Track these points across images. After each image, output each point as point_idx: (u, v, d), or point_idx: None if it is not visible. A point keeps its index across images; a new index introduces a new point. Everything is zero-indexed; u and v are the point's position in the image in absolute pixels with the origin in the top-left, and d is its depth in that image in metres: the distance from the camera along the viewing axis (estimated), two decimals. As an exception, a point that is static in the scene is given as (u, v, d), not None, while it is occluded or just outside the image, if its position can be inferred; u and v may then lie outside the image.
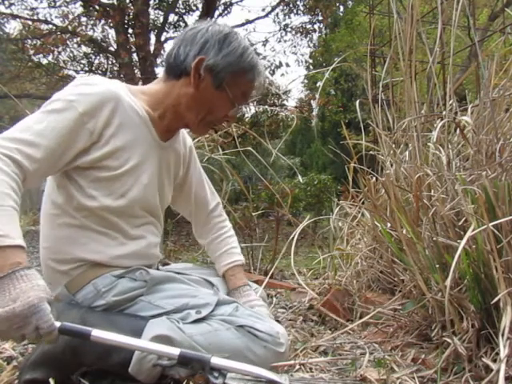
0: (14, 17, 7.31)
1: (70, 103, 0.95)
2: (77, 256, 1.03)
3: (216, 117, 1.14)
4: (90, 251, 1.03)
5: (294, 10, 8.58)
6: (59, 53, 7.79)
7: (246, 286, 1.26)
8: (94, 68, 8.42)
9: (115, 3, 6.97)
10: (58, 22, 7.65)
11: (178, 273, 1.17)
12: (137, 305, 1.03)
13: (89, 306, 1.02)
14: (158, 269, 1.21)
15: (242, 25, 8.83)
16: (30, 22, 7.56)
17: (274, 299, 1.91)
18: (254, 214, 2.80)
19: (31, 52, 7.42)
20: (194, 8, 8.35)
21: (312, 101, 9.63)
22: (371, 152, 1.75)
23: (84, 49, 8.13)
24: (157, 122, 1.11)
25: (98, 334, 0.84)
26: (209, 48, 1.05)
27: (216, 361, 0.85)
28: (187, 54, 1.06)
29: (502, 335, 0.83)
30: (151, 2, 7.73)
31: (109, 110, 1.00)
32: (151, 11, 7.93)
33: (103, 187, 1.02)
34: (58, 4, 7.43)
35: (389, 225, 1.40)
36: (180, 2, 8.14)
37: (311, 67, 11.17)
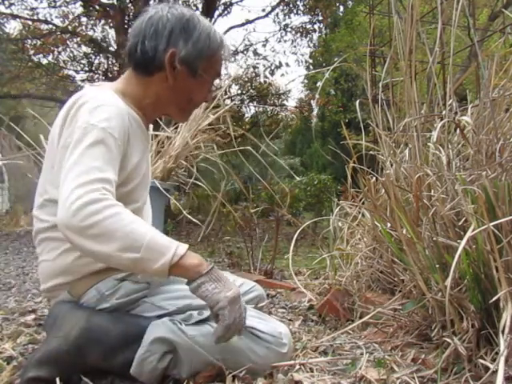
0: (14, 17, 7.31)
1: (106, 131, 0.93)
2: (92, 268, 1.01)
3: (197, 102, 1.15)
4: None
5: (294, 10, 8.59)
6: (59, 53, 7.80)
7: None
8: (94, 68, 8.41)
9: (115, 3, 6.97)
10: (58, 22, 7.65)
11: None
12: (140, 306, 1.03)
13: (94, 308, 1.01)
14: None
15: (242, 25, 8.84)
16: (30, 22, 7.56)
17: (274, 299, 1.91)
18: (253, 214, 2.80)
19: (31, 52, 7.42)
20: (194, 8, 8.35)
21: (312, 101, 9.64)
22: (371, 152, 1.75)
23: (84, 49, 8.13)
24: (144, 121, 1.11)
25: None
26: (176, 38, 1.02)
27: None
28: (155, 48, 1.02)
29: (503, 332, 0.83)
30: (151, 2, 7.73)
31: (127, 128, 0.99)
32: (151, 11, 7.92)
33: (124, 200, 1.00)
34: (57, 4, 7.43)
35: (389, 225, 1.40)
36: (180, 2, 8.14)
37: (311, 67, 11.17)
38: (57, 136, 0.99)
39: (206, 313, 1.01)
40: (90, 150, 0.90)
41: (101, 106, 0.95)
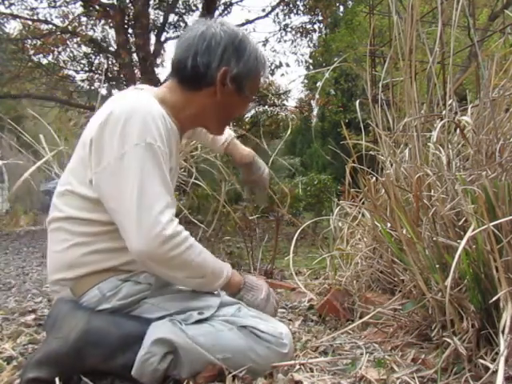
0: (14, 17, 7.31)
1: (161, 149, 0.97)
2: (98, 267, 1.02)
3: (235, 116, 1.23)
4: (109, 259, 1.03)
5: (294, 10, 8.58)
6: (59, 53, 7.80)
7: (258, 160, 1.46)
8: (93, 68, 8.41)
9: (115, 3, 6.97)
10: (58, 22, 7.66)
11: None
12: (141, 307, 1.03)
13: (94, 309, 1.01)
14: None
15: (242, 25, 8.82)
16: (30, 22, 7.56)
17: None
18: (253, 216, 2.80)
19: (31, 52, 7.43)
20: (194, 8, 8.35)
21: (312, 101, 9.64)
22: (371, 152, 1.75)
23: (84, 49, 8.14)
24: (180, 130, 1.12)
25: None
26: (229, 57, 1.06)
27: None
28: (207, 65, 1.05)
29: (503, 332, 0.83)
30: (151, 2, 7.73)
31: (171, 139, 1.03)
32: (151, 11, 7.94)
33: None
34: (57, 4, 7.43)
35: (389, 225, 1.40)
36: (180, 1, 8.14)
37: (311, 67, 11.16)
38: (93, 137, 0.98)
39: (207, 312, 1.01)
40: (153, 173, 0.95)
41: (148, 118, 0.97)
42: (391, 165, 1.53)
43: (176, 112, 1.08)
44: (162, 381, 0.96)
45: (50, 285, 1.08)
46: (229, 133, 1.44)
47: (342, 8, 10.82)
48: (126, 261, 1.03)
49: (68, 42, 7.67)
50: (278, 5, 8.54)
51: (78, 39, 7.48)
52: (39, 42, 7.35)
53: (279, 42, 9.19)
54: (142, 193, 0.92)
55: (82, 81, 8.90)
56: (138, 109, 0.98)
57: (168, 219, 0.93)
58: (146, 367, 0.93)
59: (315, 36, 9.30)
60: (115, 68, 8.16)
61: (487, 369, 0.86)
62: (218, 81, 1.06)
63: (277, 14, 8.73)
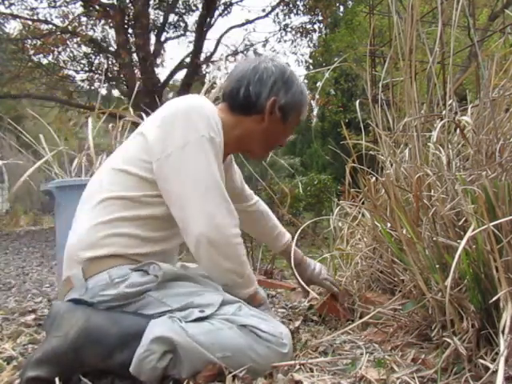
0: (14, 17, 7.32)
1: (221, 145, 1.09)
2: (116, 250, 1.05)
3: (277, 143, 1.32)
4: (128, 246, 1.06)
5: (294, 10, 8.60)
6: (59, 53, 7.81)
7: (307, 258, 1.57)
8: (93, 68, 8.42)
9: (115, 3, 6.97)
10: (58, 22, 7.67)
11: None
12: (144, 300, 1.03)
13: (96, 297, 1.02)
14: None
15: (242, 25, 8.84)
16: (30, 22, 7.57)
17: (274, 299, 1.91)
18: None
19: (31, 52, 7.44)
20: (194, 8, 8.36)
21: (312, 101, 9.64)
22: (371, 152, 1.75)
23: (84, 49, 8.15)
24: (223, 148, 1.17)
25: None
26: (278, 89, 1.18)
27: None
28: (258, 95, 1.17)
29: (503, 332, 0.83)
30: (151, 2, 7.74)
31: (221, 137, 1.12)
32: (151, 11, 7.94)
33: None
34: (57, 4, 7.44)
35: (389, 225, 1.40)
36: (180, 1, 8.15)
37: (311, 67, 11.16)
38: (154, 127, 1.08)
39: (208, 310, 1.01)
40: (214, 164, 1.05)
41: (211, 117, 1.08)
42: (391, 165, 1.53)
43: (226, 130, 1.15)
44: (162, 380, 0.96)
45: (66, 260, 1.10)
46: (289, 236, 1.58)
47: (342, 8, 10.83)
48: (142, 252, 1.07)
49: (68, 42, 7.69)
50: (277, 5, 8.55)
51: (78, 39, 7.49)
52: (39, 42, 7.36)
53: (279, 42, 9.22)
54: (207, 180, 1.03)
55: (82, 81, 8.91)
56: (201, 106, 1.09)
57: (231, 209, 1.05)
58: (145, 365, 0.93)
59: (315, 36, 9.33)
60: (115, 68, 8.17)
61: (487, 369, 0.86)
62: (266, 109, 1.18)
63: (277, 14, 8.75)
